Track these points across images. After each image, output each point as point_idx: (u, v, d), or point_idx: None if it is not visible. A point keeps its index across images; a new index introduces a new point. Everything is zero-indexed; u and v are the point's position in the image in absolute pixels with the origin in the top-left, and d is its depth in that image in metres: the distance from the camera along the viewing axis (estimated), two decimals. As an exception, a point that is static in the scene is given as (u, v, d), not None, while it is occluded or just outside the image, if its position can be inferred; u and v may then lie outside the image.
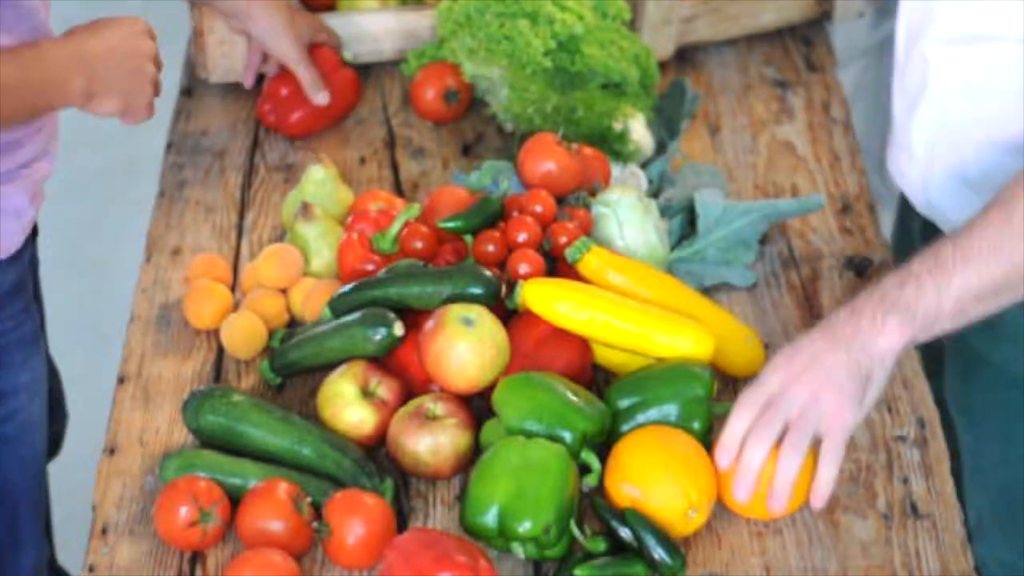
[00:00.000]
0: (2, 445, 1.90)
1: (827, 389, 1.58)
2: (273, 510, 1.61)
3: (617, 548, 1.63)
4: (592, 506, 1.67)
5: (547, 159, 1.95)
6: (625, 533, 1.61)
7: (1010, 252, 1.57)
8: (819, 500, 1.61)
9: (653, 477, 1.63)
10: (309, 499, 1.64)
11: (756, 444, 1.60)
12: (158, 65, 1.83)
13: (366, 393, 1.74)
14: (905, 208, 2.09)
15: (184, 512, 1.61)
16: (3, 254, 1.85)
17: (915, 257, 1.61)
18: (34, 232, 2.00)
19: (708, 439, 1.69)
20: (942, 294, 1.58)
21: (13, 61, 1.68)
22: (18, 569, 2.00)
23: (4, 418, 1.89)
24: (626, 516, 1.62)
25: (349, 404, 1.73)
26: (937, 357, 1.88)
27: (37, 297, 2.05)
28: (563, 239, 1.85)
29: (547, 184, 1.94)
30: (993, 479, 1.81)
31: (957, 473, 1.76)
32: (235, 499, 1.65)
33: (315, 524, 1.62)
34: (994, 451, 1.80)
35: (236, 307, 1.91)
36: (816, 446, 1.62)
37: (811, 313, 1.93)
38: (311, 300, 1.87)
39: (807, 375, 1.59)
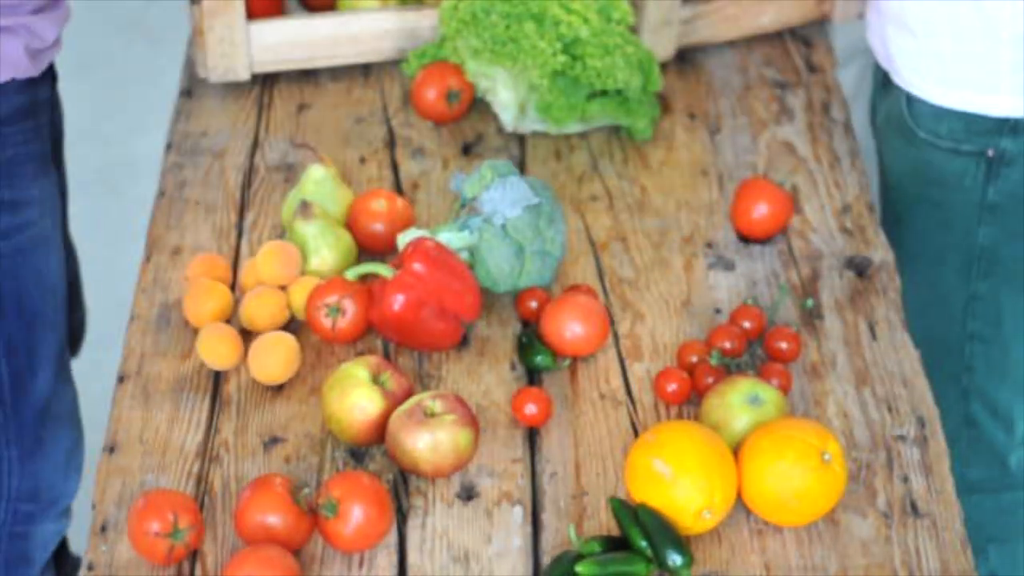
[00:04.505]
0: (17, 256, 1.94)
1: None
2: (272, 503, 1.61)
3: (613, 547, 1.63)
4: (608, 503, 1.68)
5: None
6: (636, 531, 1.62)
7: None
8: None
9: (687, 464, 1.63)
10: (307, 490, 1.64)
11: None
12: None
13: (376, 382, 1.74)
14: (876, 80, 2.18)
15: (156, 525, 1.61)
16: (19, 74, 1.92)
17: None
18: (54, 79, 2.08)
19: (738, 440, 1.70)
20: None
21: None
22: (34, 388, 2.03)
23: (19, 228, 1.94)
24: (639, 513, 1.63)
25: (358, 386, 1.73)
26: None
27: (58, 161, 2.19)
28: None
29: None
30: None
31: None
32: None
33: (321, 501, 1.62)
34: None
35: (236, 306, 1.91)
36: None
37: (812, 313, 1.93)
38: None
39: None
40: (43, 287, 2.01)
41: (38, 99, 2.02)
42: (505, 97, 2.13)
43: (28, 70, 1.96)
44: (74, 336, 2.22)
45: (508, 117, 2.15)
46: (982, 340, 2.10)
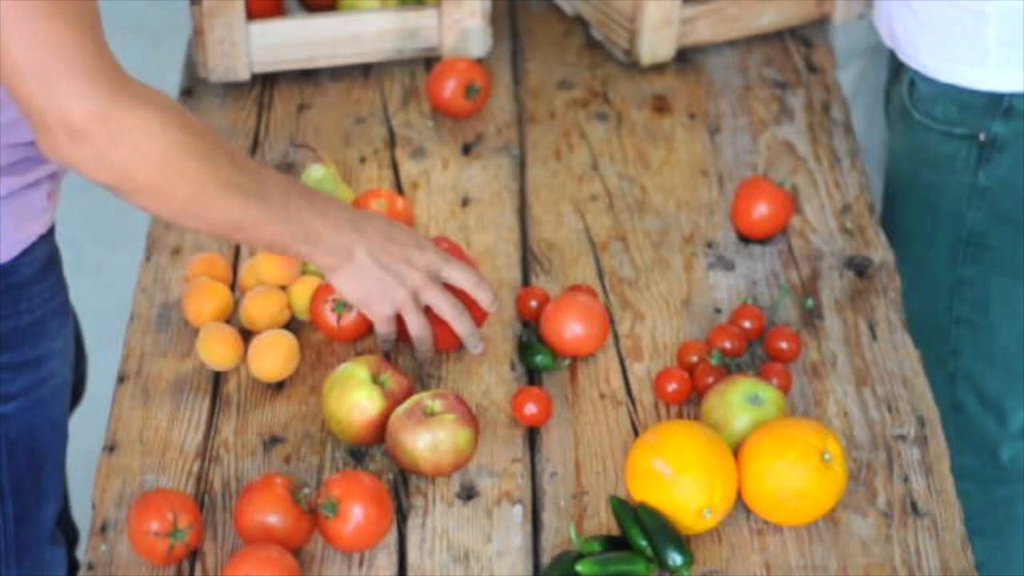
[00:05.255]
0: (37, 408, 1.92)
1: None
2: (272, 503, 1.61)
3: (614, 547, 1.63)
4: (608, 503, 1.68)
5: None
6: (636, 530, 1.62)
7: None
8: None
9: (687, 463, 1.63)
10: (307, 490, 1.64)
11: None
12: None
13: (376, 382, 1.75)
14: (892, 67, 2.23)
15: (156, 524, 1.61)
16: (43, 228, 1.86)
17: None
18: None
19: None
20: None
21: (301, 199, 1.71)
22: (41, 519, 2.03)
23: (40, 382, 1.92)
24: (639, 512, 1.63)
25: (359, 385, 1.73)
26: None
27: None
28: None
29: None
30: None
31: None
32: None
33: (321, 500, 1.62)
34: None
35: (236, 306, 1.91)
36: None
37: (812, 313, 1.93)
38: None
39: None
40: (56, 432, 2.01)
41: (54, 237, 1.94)
42: None
43: (48, 219, 1.88)
44: (77, 383, 2.20)
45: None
46: (969, 324, 2.12)
